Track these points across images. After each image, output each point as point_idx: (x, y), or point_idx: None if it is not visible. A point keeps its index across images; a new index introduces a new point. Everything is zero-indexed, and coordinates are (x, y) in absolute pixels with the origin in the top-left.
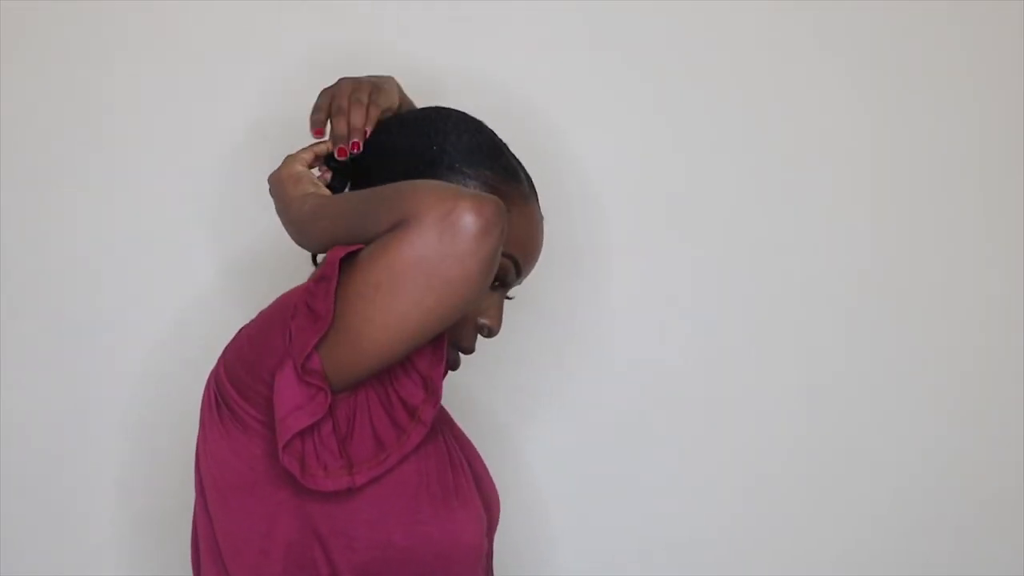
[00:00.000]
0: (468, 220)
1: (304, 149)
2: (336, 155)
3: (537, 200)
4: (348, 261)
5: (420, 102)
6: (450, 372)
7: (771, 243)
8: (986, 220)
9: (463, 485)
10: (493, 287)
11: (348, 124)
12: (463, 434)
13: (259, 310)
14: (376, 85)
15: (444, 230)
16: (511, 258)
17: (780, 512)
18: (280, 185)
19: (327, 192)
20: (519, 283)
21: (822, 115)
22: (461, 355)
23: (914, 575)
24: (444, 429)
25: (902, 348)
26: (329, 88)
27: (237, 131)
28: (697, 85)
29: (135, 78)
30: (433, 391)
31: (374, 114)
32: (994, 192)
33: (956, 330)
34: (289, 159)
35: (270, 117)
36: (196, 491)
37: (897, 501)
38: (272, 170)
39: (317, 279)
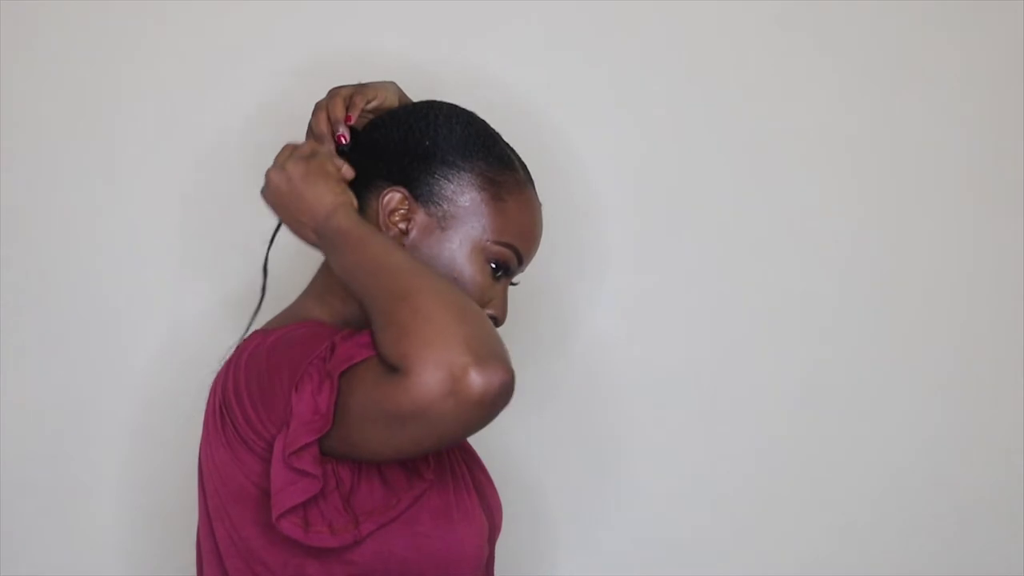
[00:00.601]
0: (475, 388)
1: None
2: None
3: (533, 186)
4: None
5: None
6: None
7: (772, 242)
8: (987, 219)
9: (464, 497)
10: (496, 277)
11: (329, 117)
12: (466, 443)
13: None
14: (363, 84)
15: (447, 395)
16: (512, 248)
17: (781, 512)
18: (304, 174)
19: (354, 201)
20: (522, 271)
21: (824, 115)
22: None
23: (914, 574)
24: None
25: (906, 349)
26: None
27: (238, 131)
28: (698, 84)
29: (135, 77)
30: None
31: (358, 101)
32: (994, 191)
33: (960, 331)
34: (310, 146)
35: (271, 117)
36: (199, 491)
37: (898, 501)
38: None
39: (325, 376)
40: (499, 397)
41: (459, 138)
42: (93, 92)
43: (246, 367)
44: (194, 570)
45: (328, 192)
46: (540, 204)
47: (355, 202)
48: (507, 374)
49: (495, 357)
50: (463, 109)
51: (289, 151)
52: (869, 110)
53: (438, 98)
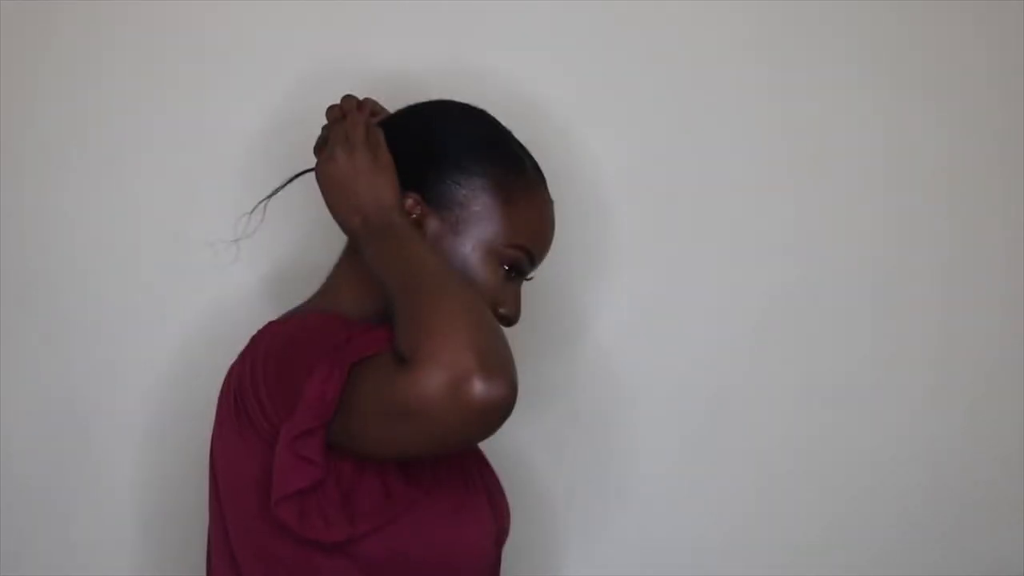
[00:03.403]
0: (476, 394)
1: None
2: None
3: (545, 184)
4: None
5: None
6: None
7: (784, 244)
8: (989, 219)
9: (473, 496)
10: (509, 277)
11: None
12: (476, 446)
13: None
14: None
15: (450, 396)
16: (524, 249)
17: (784, 513)
18: (372, 165)
19: (402, 207)
20: (533, 270)
21: (836, 116)
22: None
23: (914, 574)
24: None
25: (908, 349)
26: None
27: (238, 130)
28: (707, 85)
29: (136, 77)
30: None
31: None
32: (999, 192)
33: (960, 331)
34: (376, 136)
35: (272, 116)
36: (210, 484)
37: (898, 502)
38: (269, 167)
39: (336, 364)
40: (497, 410)
41: (470, 141)
42: (93, 92)
43: (264, 355)
44: (198, 570)
45: (390, 186)
46: (552, 202)
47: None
48: (509, 390)
49: (502, 370)
50: (474, 109)
51: (343, 136)
52: (872, 110)
53: (443, 97)
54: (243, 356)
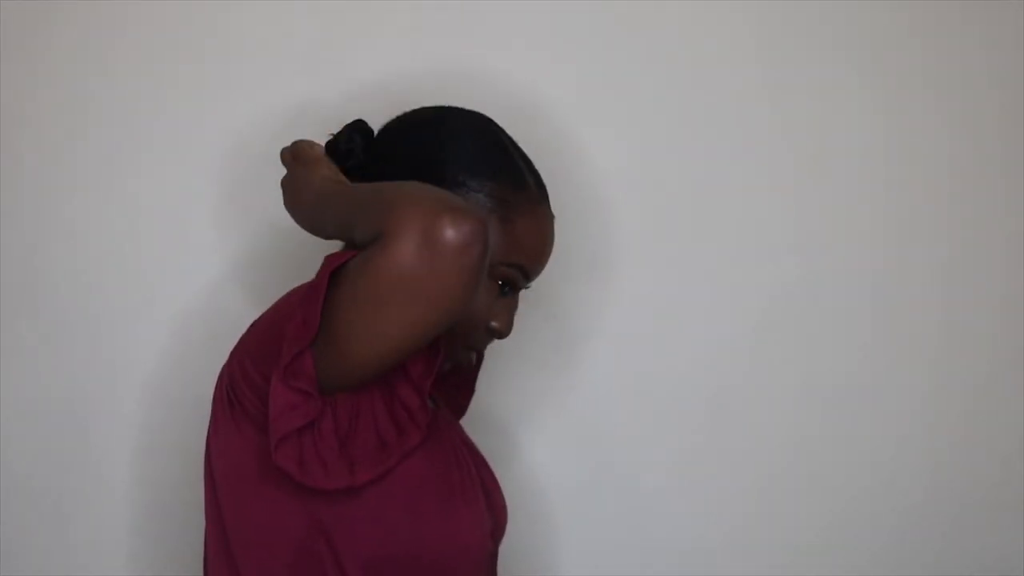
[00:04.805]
0: (447, 236)
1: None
2: None
3: (547, 200)
4: (341, 271)
5: (426, 102)
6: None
7: (784, 244)
8: (989, 219)
9: (467, 486)
10: (503, 292)
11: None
12: (473, 445)
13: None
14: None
15: (422, 246)
16: (518, 267)
17: (784, 513)
18: (298, 165)
19: (343, 179)
20: (528, 286)
21: (836, 116)
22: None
23: (914, 574)
24: (454, 435)
25: (909, 349)
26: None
27: (238, 130)
28: (707, 85)
29: (136, 77)
30: (423, 398)
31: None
32: (999, 192)
33: (961, 331)
34: (305, 142)
35: (272, 116)
36: (206, 485)
37: (899, 502)
38: (268, 167)
39: (310, 286)
40: (474, 242)
41: (470, 155)
42: (93, 92)
43: (248, 337)
44: (196, 570)
45: (313, 171)
46: (552, 217)
47: (339, 174)
48: (478, 221)
49: (463, 209)
50: (477, 119)
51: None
52: (872, 110)
53: (447, 100)
54: (231, 354)
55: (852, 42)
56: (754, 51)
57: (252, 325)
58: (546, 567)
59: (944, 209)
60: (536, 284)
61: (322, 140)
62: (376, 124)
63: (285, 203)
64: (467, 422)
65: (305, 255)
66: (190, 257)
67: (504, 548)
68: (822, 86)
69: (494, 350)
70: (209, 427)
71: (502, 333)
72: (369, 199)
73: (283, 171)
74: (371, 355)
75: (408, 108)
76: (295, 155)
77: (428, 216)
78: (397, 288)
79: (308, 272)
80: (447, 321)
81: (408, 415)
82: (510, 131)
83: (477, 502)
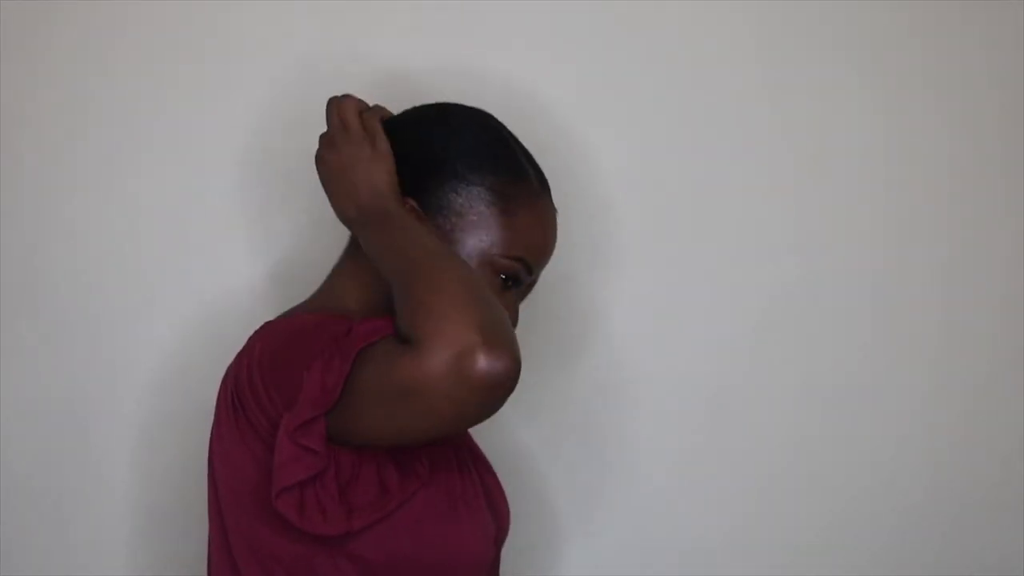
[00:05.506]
0: (479, 370)
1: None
2: None
3: (549, 193)
4: (369, 351)
5: (427, 101)
6: None
7: (784, 244)
8: (989, 219)
9: (470, 494)
10: (505, 286)
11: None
12: (476, 447)
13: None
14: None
15: (452, 372)
16: (521, 260)
17: (784, 513)
18: (362, 147)
19: (398, 194)
20: (532, 280)
21: (836, 116)
22: None
23: (914, 574)
24: (457, 440)
25: (909, 349)
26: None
27: (238, 130)
28: (707, 85)
29: (136, 77)
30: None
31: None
32: (999, 192)
33: (961, 332)
34: (371, 113)
35: (272, 116)
36: (209, 486)
37: (899, 502)
38: (269, 167)
39: (337, 347)
40: (502, 384)
41: (471, 149)
42: (93, 92)
43: (261, 353)
44: (197, 570)
45: (385, 173)
46: (555, 211)
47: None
48: (513, 362)
49: (505, 344)
50: (477, 113)
51: (341, 126)
52: (872, 110)
53: (444, 97)
54: (240, 357)
55: (852, 42)
56: (754, 51)
57: (263, 330)
58: (547, 567)
59: (944, 209)
60: (537, 283)
61: None
62: None
63: (321, 175)
64: None
65: (306, 255)
66: (190, 257)
67: (505, 548)
68: (822, 86)
69: None
70: (212, 428)
71: None
72: (416, 275)
73: (283, 171)
74: (378, 439)
75: (408, 108)
76: (349, 127)
77: (465, 342)
78: (417, 400)
79: (308, 272)
80: (448, 435)
81: (411, 456)
82: (514, 131)
83: (480, 509)
